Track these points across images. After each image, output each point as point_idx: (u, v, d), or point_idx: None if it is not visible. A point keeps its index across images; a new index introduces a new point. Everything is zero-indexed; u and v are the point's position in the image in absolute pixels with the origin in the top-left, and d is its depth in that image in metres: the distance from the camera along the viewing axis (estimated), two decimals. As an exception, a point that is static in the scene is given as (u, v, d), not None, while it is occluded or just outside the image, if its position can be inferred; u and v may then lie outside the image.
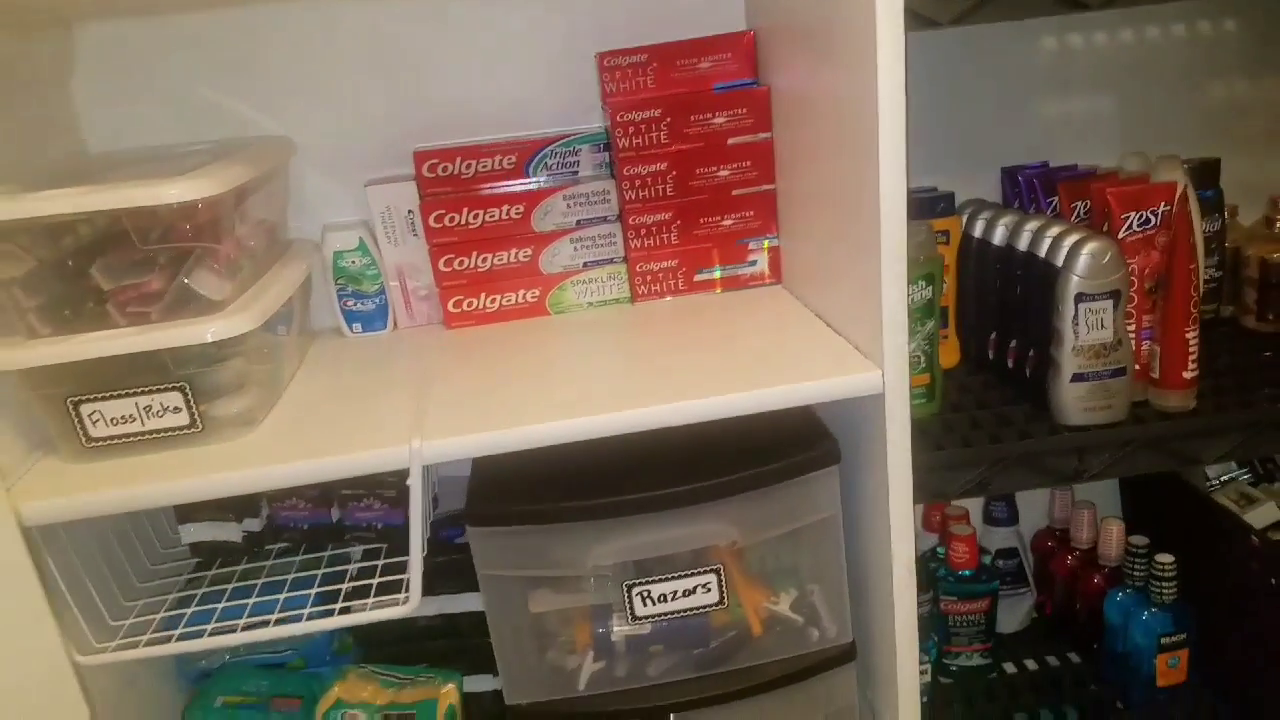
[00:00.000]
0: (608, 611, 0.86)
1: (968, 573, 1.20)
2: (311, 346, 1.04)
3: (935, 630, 1.23)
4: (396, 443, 0.74)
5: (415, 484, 0.73)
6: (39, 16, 0.92)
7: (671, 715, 0.85)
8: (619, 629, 0.86)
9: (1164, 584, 1.09)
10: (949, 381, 1.02)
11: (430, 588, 0.99)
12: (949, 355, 1.07)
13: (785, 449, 0.84)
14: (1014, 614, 1.31)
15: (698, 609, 0.84)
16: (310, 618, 0.79)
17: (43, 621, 0.72)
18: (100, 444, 0.77)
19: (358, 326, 1.06)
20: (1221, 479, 1.25)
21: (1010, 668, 1.24)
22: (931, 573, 1.23)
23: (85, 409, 0.75)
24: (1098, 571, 1.20)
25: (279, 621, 0.79)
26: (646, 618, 0.84)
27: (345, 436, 0.78)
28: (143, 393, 0.76)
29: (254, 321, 0.78)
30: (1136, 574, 1.12)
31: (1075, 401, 0.92)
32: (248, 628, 0.79)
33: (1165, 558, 1.09)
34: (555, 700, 0.86)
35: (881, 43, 0.69)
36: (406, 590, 0.77)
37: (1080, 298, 0.89)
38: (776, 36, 0.95)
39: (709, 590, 0.84)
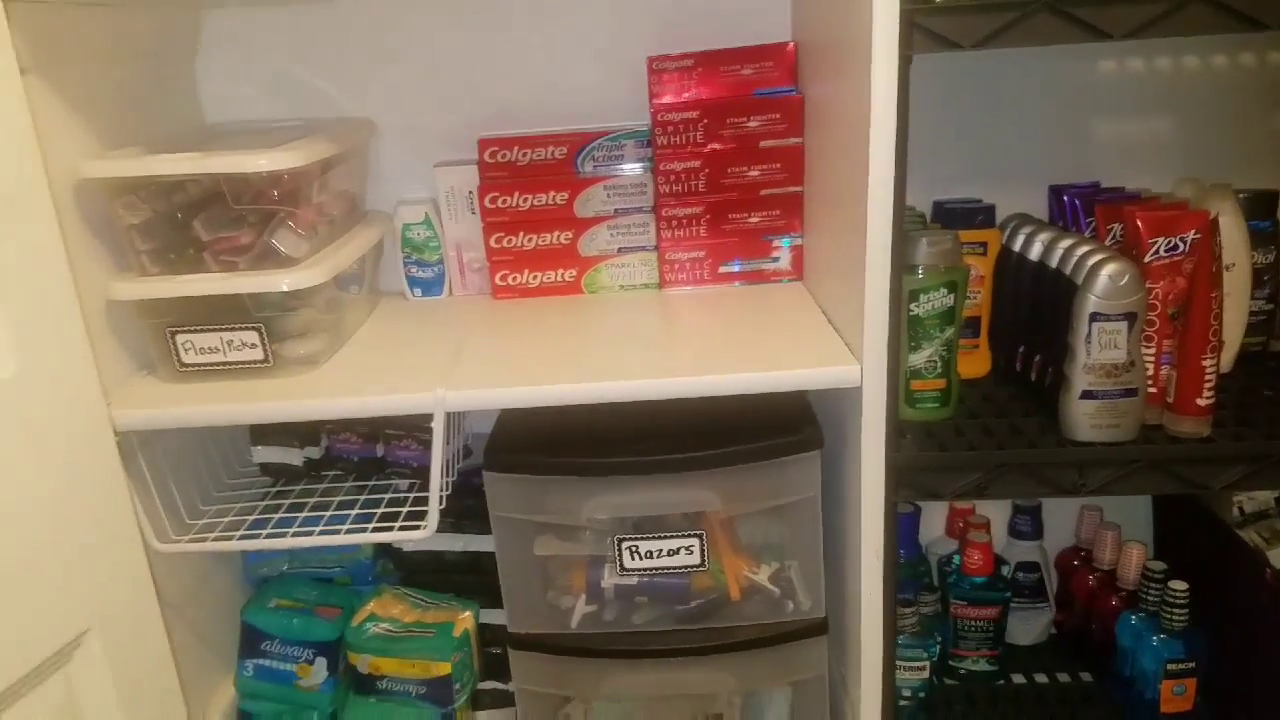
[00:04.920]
0: (601, 561, 0.96)
1: (980, 579, 1.22)
2: (379, 305, 1.18)
3: (940, 632, 1.26)
4: (426, 390, 0.86)
5: (438, 426, 0.85)
6: (174, 4, 1.09)
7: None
8: (610, 578, 0.96)
9: (1175, 610, 1.08)
10: (975, 390, 1.05)
11: (460, 527, 1.12)
12: (979, 365, 1.10)
13: (773, 431, 0.92)
14: (1031, 627, 1.31)
15: (680, 568, 0.93)
16: (349, 533, 0.93)
17: (127, 511, 0.87)
18: (190, 369, 0.92)
19: (418, 291, 1.19)
20: (1255, 512, 1.23)
21: (1019, 678, 1.24)
22: (944, 576, 1.27)
23: (180, 339, 0.90)
24: (1115, 593, 1.19)
25: (322, 533, 0.93)
26: (634, 570, 0.93)
27: (387, 381, 0.90)
28: (226, 329, 0.90)
29: (322, 277, 0.92)
30: (1150, 599, 1.11)
31: (1083, 417, 0.93)
32: (296, 535, 0.93)
33: (1178, 584, 1.09)
34: (550, 634, 0.97)
35: (876, 59, 0.76)
36: (425, 520, 0.89)
37: (1095, 316, 0.90)
38: (813, 47, 1.02)
39: (691, 552, 0.92)
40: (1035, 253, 1.02)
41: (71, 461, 0.80)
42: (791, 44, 1.08)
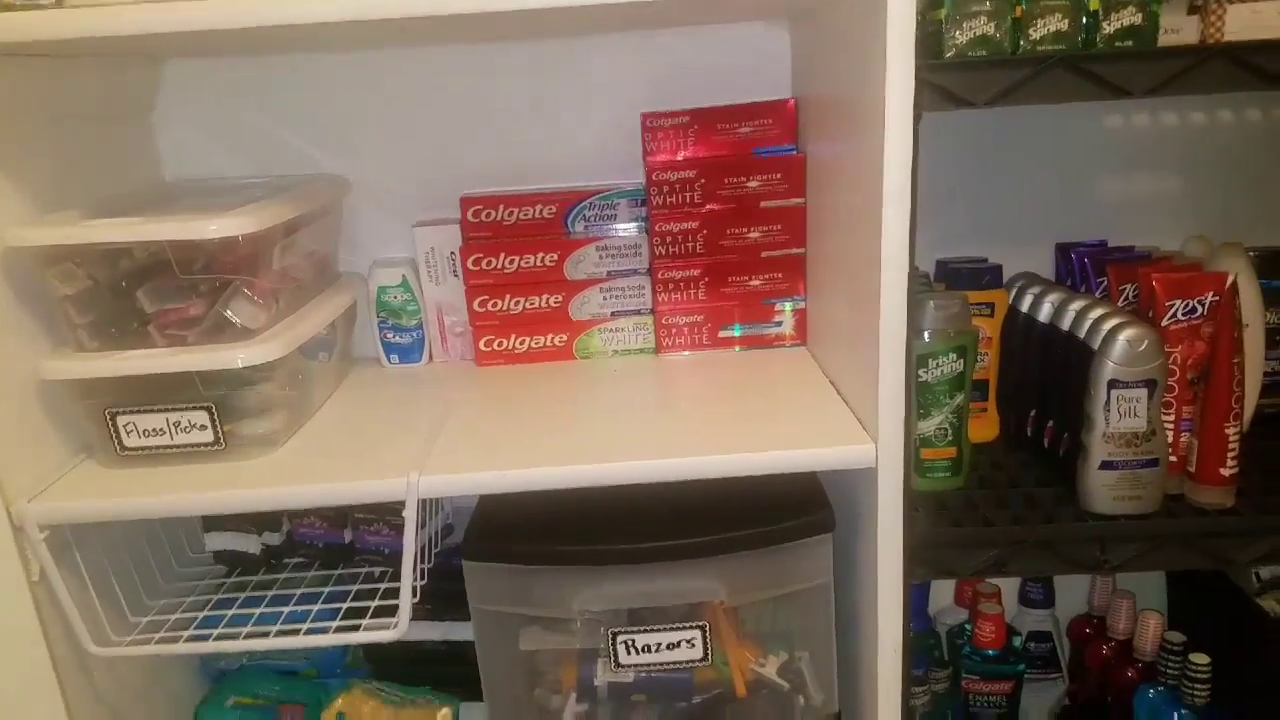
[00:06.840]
0: (594, 656, 0.87)
1: (993, 652, 1.17)
2: (351, 372, 1.10)
3: (952, 709, 1.19)
4: (397, 475, 0.78)
5: (410, 516, 0.77)
6: (131, 52, 1.00)
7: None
8: (603, 675, 0.87)
9: (1196, 685, 1.04)
10: (983, 457, 1.01)
11: (438, 613, 1.03)
12: (987, 429, 1.05)
13: (780, 513, 0.84)
14: (1044, 700, 1.26)
15: (681, 663, 0.85)
16: (308, 633, 0.83)
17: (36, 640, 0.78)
18: (132, 453, 0.83)
19: (395, 357, 1.11)
20: (1272, 579, 1.18)
21: (1034, 755, 1.20)
22: (956, 649, 1.20)
23: (121, 420, 0.81)
24: (1132, 665, 1.14)
25: (279, 633, 0.84)
26: (630, 666, 0.85)
27: (354, 464, 0.82)
28: (172, 409, 0.82)
29: (281, 351, 0.83)
30: (1170, 672, 1.07)
31: (1103, 489, 0.89)
32: (249, 636, 0.84)
33: (1200, 658, 1.04)
34: (537, 740, 0.88)
35: (890, 118, 0.70)
36: (396, 616, 0.80)
37: (1113, 384, 0.87)
38: (815, 105, 0.96)
39: (693, 645, 0.84)
40: (1045, 314, 0.98)
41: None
42: (792, 101, 1.03)
